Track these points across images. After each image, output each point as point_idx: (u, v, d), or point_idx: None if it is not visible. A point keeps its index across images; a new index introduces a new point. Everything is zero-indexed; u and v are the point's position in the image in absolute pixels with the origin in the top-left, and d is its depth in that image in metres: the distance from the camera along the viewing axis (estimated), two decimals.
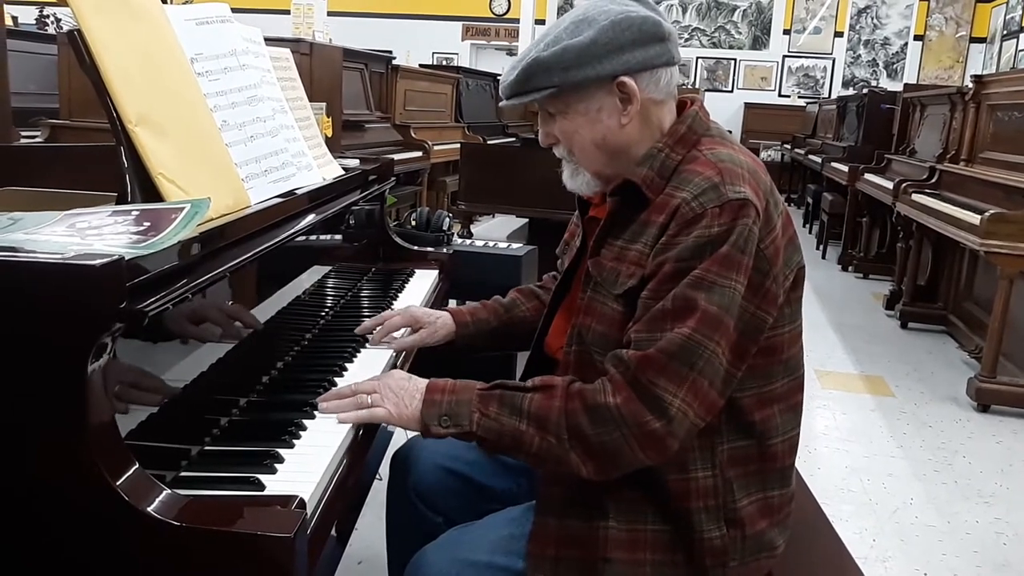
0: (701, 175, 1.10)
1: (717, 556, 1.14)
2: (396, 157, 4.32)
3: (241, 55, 1.38)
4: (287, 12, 4.94)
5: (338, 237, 1.79)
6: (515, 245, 2.64)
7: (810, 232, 8.03)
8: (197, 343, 1.09)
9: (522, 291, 1.56)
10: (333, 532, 1.45)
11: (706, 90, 11.34)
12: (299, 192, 1.42)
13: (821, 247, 7.12)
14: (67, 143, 3.25)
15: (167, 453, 0.97)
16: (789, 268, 1.14)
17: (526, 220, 4.32)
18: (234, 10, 1.39)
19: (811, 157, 8.44)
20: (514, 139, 7.10)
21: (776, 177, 9.11)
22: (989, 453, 3.12)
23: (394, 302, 1.74)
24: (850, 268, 6.39)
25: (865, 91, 7.38)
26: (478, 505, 1.36)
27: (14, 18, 6.99)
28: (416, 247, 2.10)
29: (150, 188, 1.07)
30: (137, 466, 0.83)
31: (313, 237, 1.61)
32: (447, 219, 2.51)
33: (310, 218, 1.42)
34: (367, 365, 1.36)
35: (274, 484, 0.93)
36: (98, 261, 0.78)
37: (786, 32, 11.81)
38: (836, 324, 4.81)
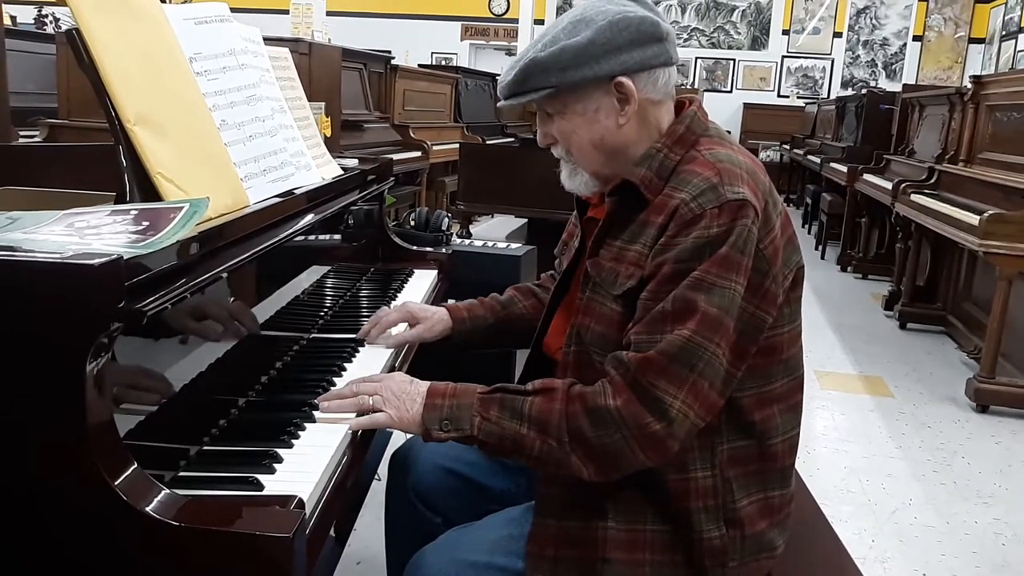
0: (700, 175, 1.09)
1: (716, 556, 1.14)
2: (395, 157, 4.31)
3: (240, 55, 1.38)
4: (286, 12, 4.95)
5: (337, 237, 1.79)
6: (514, 245, 2.64)
7: (809, 232, 8.04)
8: (196, 343, 1.09)
9: (520, 289, 1.56)
10: (332, 532, 1.44)
11: (705, 90, 11.35)
12: (298, 192, 1.42)
13: (820, 247, 7.12)
14: (66, 143, 3.25)
15: (166, 453, 0.97)
16: (788, 268, 1.14)
17: (525, 220, 4.32)
18: (233, 10, 1.39)
19: (810, 157, 8.45)
20: (513, 139, 7.10)
21: (775, 178, 9.10)
22: (988, 454, 3.12)
23: (393, 302, 1.74)
24: (849, 268, 6.40)
25: (864, 91, 7.38)
26: (477, 505, 1.36)
27: (13, 18, 6.99)
28: (415, 247, 2.10)
29: (149, 187, 1.07)
30: (136, 466, 0.83)
31: (312, 237, 1.61)
32: (446, 219, 2.51)
33: (309, 218, 1.42)
34: (366, 365, 1.36)
35: (273, 484, 0.93)
36: (97, 260, 0.78)
37: (785, 32, 11.82)
38: (835, 325, 4.82)
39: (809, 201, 8.32)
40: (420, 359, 1.52)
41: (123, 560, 0.82)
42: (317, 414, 1.13)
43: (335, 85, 4.35)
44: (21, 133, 3.33)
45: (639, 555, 1.13)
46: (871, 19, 11.42)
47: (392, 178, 2.12)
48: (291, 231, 1.32)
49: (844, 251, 6.55)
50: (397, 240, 2.07)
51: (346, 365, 1.35)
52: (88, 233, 0.92)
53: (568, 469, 1.08)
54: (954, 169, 4.45)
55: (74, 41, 1.05)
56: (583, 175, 1.23)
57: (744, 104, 11.80)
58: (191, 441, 1.03)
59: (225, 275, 1.09)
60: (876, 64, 11.51)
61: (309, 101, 1.77)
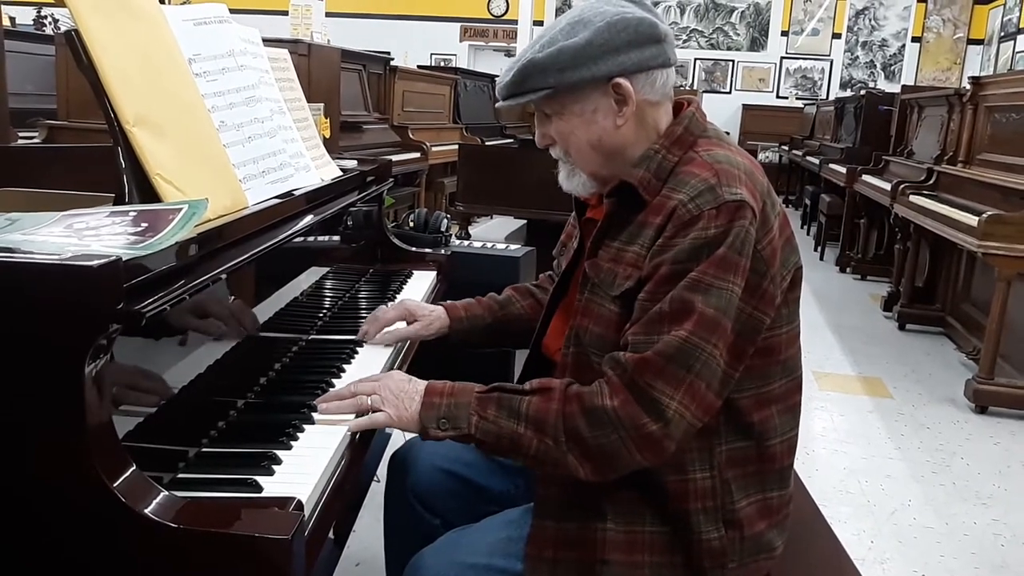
0: (697, 176, 1.10)
1: (716, 557, 1.14)
2: (394, 158, 4.31)
3: (239, 56, 1.38)
4: (285, 13, 4.95)
5: (336, 238, 1.79)
6: (513, 246, 2.64)
7: (808, 234, 8.04)
8: (195, 344, 1.09)
9: (518, 289, 1.57)
10: (331, 534, 1.44)
11: (704, 91, 11.35)
12: (297, 193, 1.42)
13: (819, 248, 7.12)
14: (65, 144, 3.25)
15: (165, 455, 0.97)
16: (786, 269, 1.14)
17: (524, 221, 4.32)
18: (232, 11, 1.39)
19: (809, 159, 8.45)
20: (512, 140, 7.10)
21: (774, 179, 9.15)
22: (987, 454, 3.12)
23: (391, 303, 1.74)
24: (848, 269, 6.40)
25: (863, 93, 7.38)
26: (476, 507, 1.36)
27: (12, 19, 6.99)
28: (414, 248, 2.10)
29: (148, 189, 1.07)
30: (134, 467, 0.83)
31: (311, 238, 1.61)
32: (445, 220, 2.51)
33: (308, 219, 1.42)
34: (365, 366, 1.36)
35: (272, 486, 0.93)
36: (96, 262, 0.78)
37: (784, 34, 11.83)
38: (834, 325, 4.82)
39: (808, 202, 8.32)
40: (419, 359, 1.52)
41: (122, 561, 0.82)
42: (316, 416, 1.13)
43: (334, 86, 4.34)
44: (20, 134, 3.33)
45: (638, 556, 1.13)
46: (870, 20, 11.44)
47: (391, 179, 2.12)
48: (290, 232, 1.32)
49: (843, 252, 6.55)
50: (396, 241, 2.07)
51: (345, 366, 1.35)
52: (87, 234, 0.92)
53: (565, 469, 1.08)
54: (953, 170, 4.45)
55: (73, 42, 1.05)
56: (581, 176, 1.23)
57: (743, 105, 11.81)
58: (190, 443, 1.03)
59: (224, 276, 1.09)
60: (875, 65, 11.53)
61: (308, 102, 1.77)
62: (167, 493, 0.84)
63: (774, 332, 1.14)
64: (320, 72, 4.15)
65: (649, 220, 1.11)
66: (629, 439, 1.04)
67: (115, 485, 0.80)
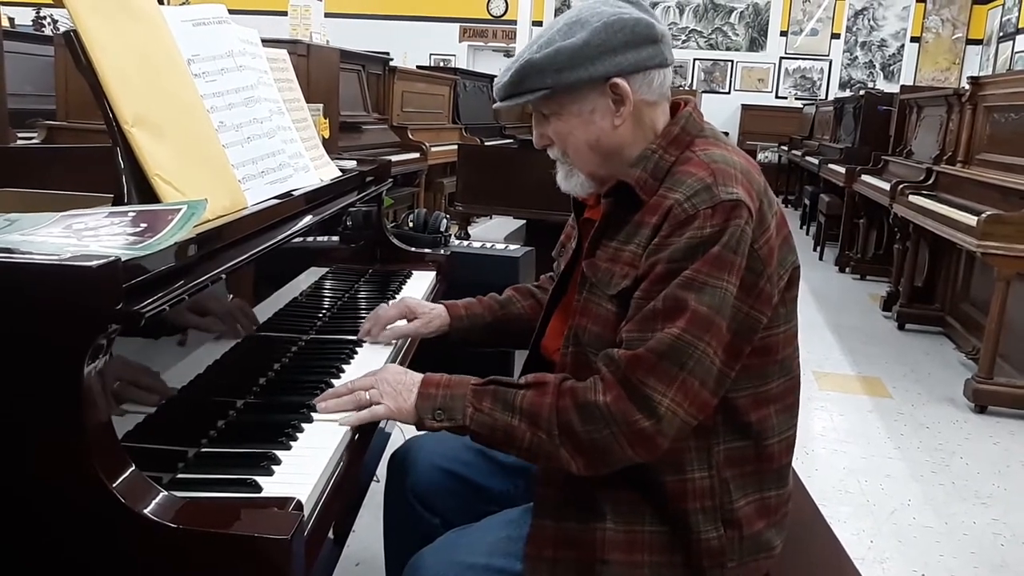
0: (694, 176, 1.10)
1: (715, 557, 1.14)
2: (393, 158, 4.32)
3: (238, 56, 1.38)
4: (284, 13, 4.95)
5: (335, 239, 1.79)
6: (512, 246, 2.64)
7: (807, 233, 8.04)
8: (194, 344, 1.09)
9: (518, 289, 1.57)
10: (330, 534, 1.44)
11: (703, 92, 11.35)
12: (296, 193, 1.42)
13: (818, 248, 7.13)
14: (64, 144, 3.24)
15: (164, 455, 0.97)
16: (784, 268, 1.15)
17: (523, 221, 4.32)
18: (231, 11, 1.39)
19: (808, 159, 8.45)
20: (511, 140, 7.11)
21: (773, 179, 9.16)
22: (986, 454, 3.12)
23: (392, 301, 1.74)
24: (847, 269, 6.40)
25: (862, 93, 7.39)
26: (475, 506, 1.36)
27: (10, 19, 6.97)
28: (413, 248, 2.10)
29: (147, 189, 1.07)
30: (134, 468, 0.83)
31: (310, 239, 1.61)
32: (444, 220, 2.52)
33: (307, 219, 1.42)
34: (364, 366, 1.36)
35: (271, 486, 0.93)
36: (95, 262, 0.78)
37: (783, 34, 11.83)
38: (833, 325, 4.82)
39: (807, 202, 8.32)
40: (419, 358, 1.52)
41: (121, 561, 0.82)
42: (315, 414, 1.13)
43: (333, 87, 4.35)
44: (19, 135, 3.33)
45: (637, 556, 1.14)
46: (869, 20, 11.44)
47: (390, 179, 2.12)
48: (289, 233, 1.32)
49: (842, 252, 6.56)
50: (395, 241, 2.07)
51: (344, 366, 1.35)
52: (86, 235, 0.92)
53: (558, 462, 1.09)
54: (952, 170, 4.45)
55: (72, 43, 1.05)
56: (579, 176, 1.23)
57: (742, 105, 11.81)
58: (189, 443, 1.03)
59: (223, 277, 1.09)
60: (874, 65, 11.53)
61: (307, 103, 1.77)
62: (166, 493, 0.84)
63: (771, 331, 1.14)
64: (319, 72, 4.15)
65: (646, 219, 1.12)
66: (621, 434, 1.05)
67: (114, 485, 0.80)
